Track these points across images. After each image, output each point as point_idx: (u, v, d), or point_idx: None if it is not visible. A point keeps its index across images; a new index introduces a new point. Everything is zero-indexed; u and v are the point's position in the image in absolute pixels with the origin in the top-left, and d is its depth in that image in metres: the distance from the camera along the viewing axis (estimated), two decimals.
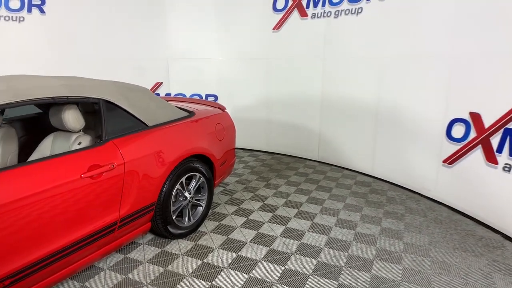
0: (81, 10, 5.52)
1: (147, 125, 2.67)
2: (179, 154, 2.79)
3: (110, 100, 2.45)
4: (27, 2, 5.34)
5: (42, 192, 1.89)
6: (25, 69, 5.07)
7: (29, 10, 5.38)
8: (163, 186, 2.69)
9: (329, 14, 4.71)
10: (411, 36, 3.83)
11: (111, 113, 2.45)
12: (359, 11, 4.38)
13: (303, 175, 4.61)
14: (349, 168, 4.84)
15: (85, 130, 2.53)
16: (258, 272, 2.51)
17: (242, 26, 5.51)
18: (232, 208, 3.58)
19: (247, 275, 2.47)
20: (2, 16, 5.26)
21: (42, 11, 5.43)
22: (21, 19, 5.37)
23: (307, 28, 4.95)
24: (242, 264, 2.61)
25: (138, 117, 2.62)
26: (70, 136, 2.39)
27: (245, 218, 3.35)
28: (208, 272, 2.51)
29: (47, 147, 2.49)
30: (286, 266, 2.58)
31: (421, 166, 3.90)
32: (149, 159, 2.54)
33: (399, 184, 4.22)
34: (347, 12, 4.51)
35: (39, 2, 5.40)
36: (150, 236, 3.00)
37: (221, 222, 3.28)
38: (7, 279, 1.77)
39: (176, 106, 3.27)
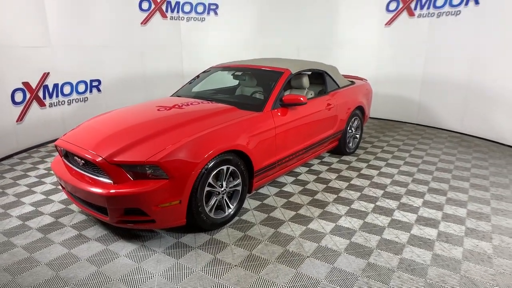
0: (242, 12, 7.81)
1: (339, 87, 4.78)
2: (353, 104, 4.87)
3: (326, 71, 4.59)
4: (207, 7, 7.70)
5: (315, 112, 4.07)
6: (212, 54, 7.47)
7: (208, 13, 7.75)
8: (346, 122, 4.79)
9: (432, 15, 6.47)
10: (498, 32, 5.51)
11: (327, 79, 4.58)
12: (458, 13, 6.11)
13: (408, 131, 6.52)
14: (442, 128, 6.65)
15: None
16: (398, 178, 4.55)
17: (360, 20, 7.40)
18: (368, 145, 5.62)
19: (391, 179, 4.52)
20: (192, 17, 7.67)
21: (216, 13, 7.78)
22: (203, 19, 7.76)
23: (413, 24, 6.74)
24: (386, 172, 4.65)
25: (336, 81, 4.73)
26: (303, 91, 4.55)
27: (380, 149, 5.38)
28: (374, 166, 4.59)
29: None
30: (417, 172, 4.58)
31: (501, 123, 5.63)
32: (343, 104, 4.65)
33: (482, 137, 5.98)
34: (447, 13, 6.25)
35: (214, 7, 7.75)
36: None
37: (366, 150, 5.34)
38: (301, 151, 3.97)
39: None
